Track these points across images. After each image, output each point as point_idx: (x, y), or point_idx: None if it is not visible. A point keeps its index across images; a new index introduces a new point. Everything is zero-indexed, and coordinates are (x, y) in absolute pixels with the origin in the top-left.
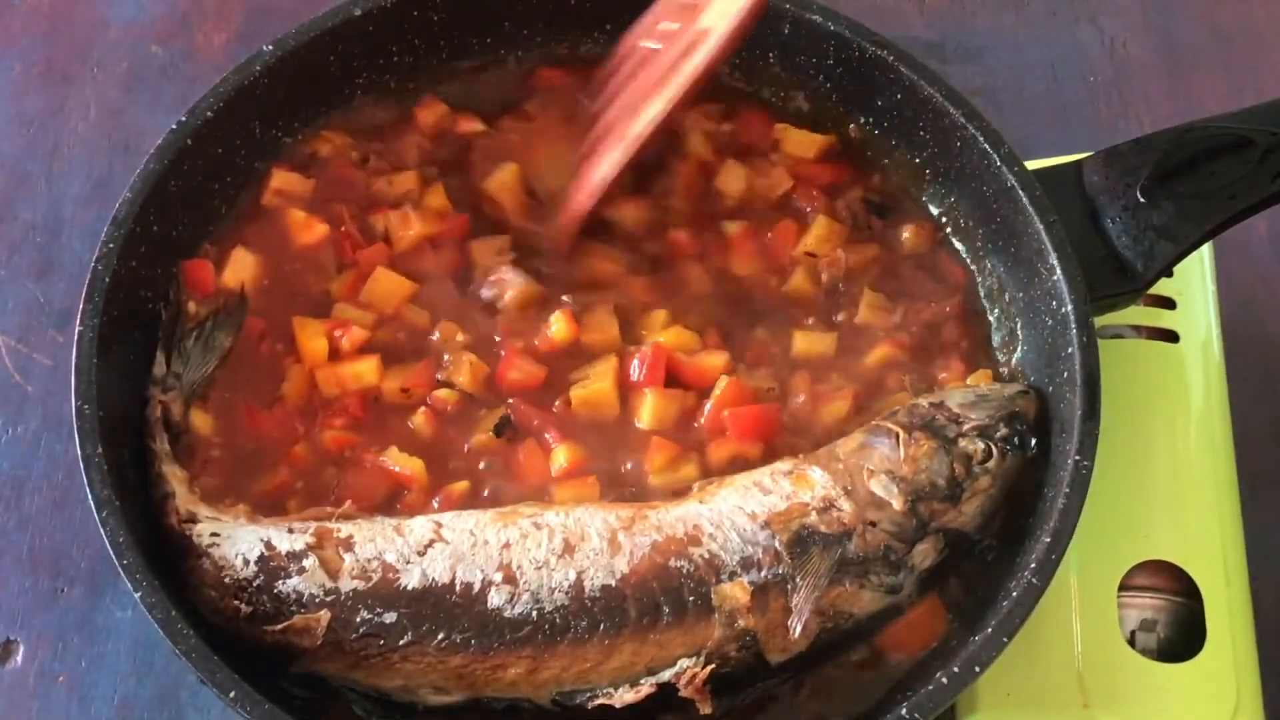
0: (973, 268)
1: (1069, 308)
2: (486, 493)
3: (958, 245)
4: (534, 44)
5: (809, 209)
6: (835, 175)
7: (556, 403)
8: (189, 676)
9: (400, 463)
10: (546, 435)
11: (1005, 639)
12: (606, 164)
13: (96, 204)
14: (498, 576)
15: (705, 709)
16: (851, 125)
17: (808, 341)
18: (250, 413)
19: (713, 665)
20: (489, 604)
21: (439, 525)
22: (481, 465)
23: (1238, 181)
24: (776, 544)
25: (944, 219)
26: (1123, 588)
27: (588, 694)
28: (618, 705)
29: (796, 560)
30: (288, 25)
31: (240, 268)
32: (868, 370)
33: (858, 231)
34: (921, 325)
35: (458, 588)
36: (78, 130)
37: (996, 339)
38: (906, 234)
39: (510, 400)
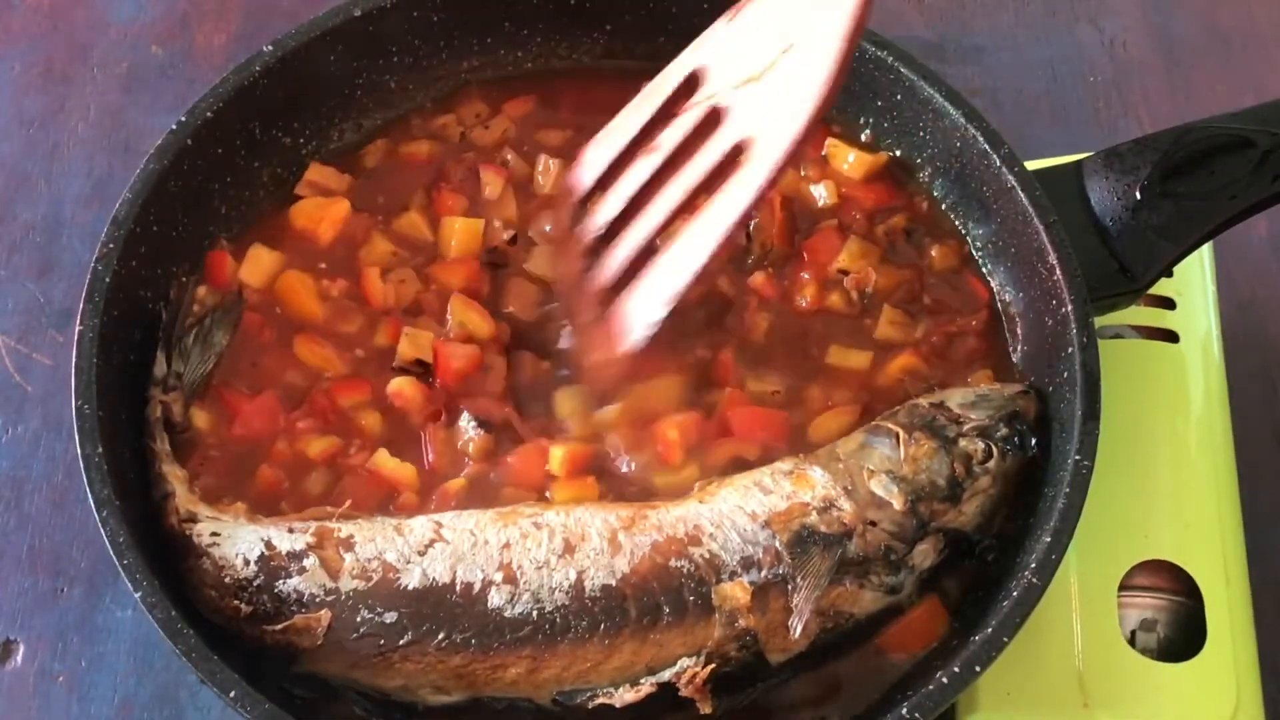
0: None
1: (1069, 308)
2: (485, 489)
3: (984, 264)
4: (534, 44)
5: (852, 228)
6: (881, 198)
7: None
8: (189, 676)
9: (390, 467)
10: (542, 439)
11: (1005, 639)
12: (657, 299)
13: (96, 204)
14: (498, 576)
15: (705, 709)
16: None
17: (842, 355)
18: (234, 401)
19: (713, 665)
20: (489, 604)
21: (439, 525)
22: (481, 464)
23: (1238, 182)
24: (777, 544)
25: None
26: (1123, 588)
27: (588, 694)
28: (618, 705)
29: (797, 560)
30: (288, 25)
31: (258, 264)
32: (884, 384)
33: (891, 253)
34: (944, 339)
35: (458, 588)
36: (78, 130)
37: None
38: (934, 252)
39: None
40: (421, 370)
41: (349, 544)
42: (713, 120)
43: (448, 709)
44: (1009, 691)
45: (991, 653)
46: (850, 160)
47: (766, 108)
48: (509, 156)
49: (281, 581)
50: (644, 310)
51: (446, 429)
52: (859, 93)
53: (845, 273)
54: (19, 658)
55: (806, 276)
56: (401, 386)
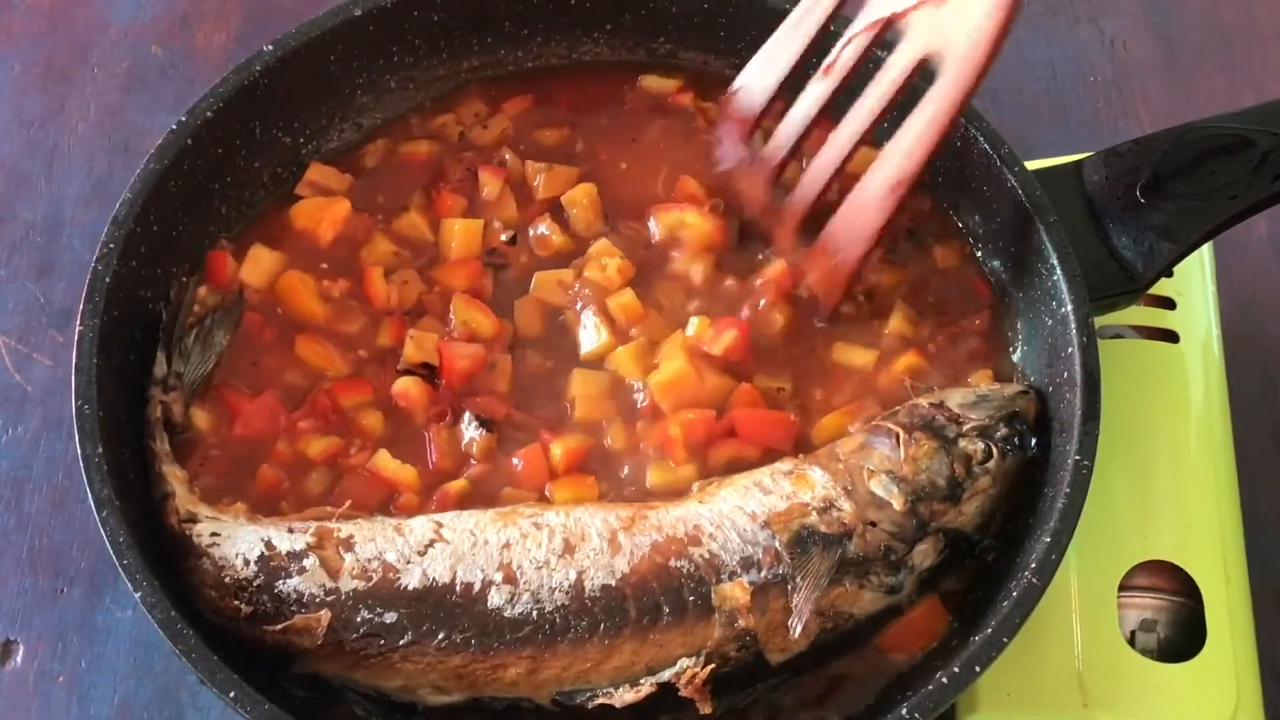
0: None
1: (1069, 308)
2: (487, 489)
3: (984, 264)
4: (534, 44)
5: None
6: None
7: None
8: (189, 676)
9: (390, 468)
10: (544, 434)
11: (1005, 639)
12: (873, 214)
13: (96, 204)
14: (498, 576)
15: (705, 709)
16: None
17: (846, 354)
18: (234, 400)
19: (713, 665)
20: (489, 604)
21: (439, 525)
22: (484, 464)
23: (1238, 182)
24: (776, 544)
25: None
26: (1123, 588)
27: (588, 694)
28: (618, 705)
29: (796, 560)
30: (288, 25)
31: (259, 264)
32: (887, 385)
33: (893, 253)
34: (946, 339)
35: (458, 588)
36: (78, 130)
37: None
38: (937, 252)
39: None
40: (427, 372)
41: (349, 544)
42: (883, 35)
43: (448, 709)
44: (1009, 691)
45: (991, 653)
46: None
47: (950, 15)
48: (506, 156)
49: (281, 581)
50: (853, 231)
51: (450, 429)
52: (859, 92)
53: None
54: (19, 658)
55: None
56: (407, 387)
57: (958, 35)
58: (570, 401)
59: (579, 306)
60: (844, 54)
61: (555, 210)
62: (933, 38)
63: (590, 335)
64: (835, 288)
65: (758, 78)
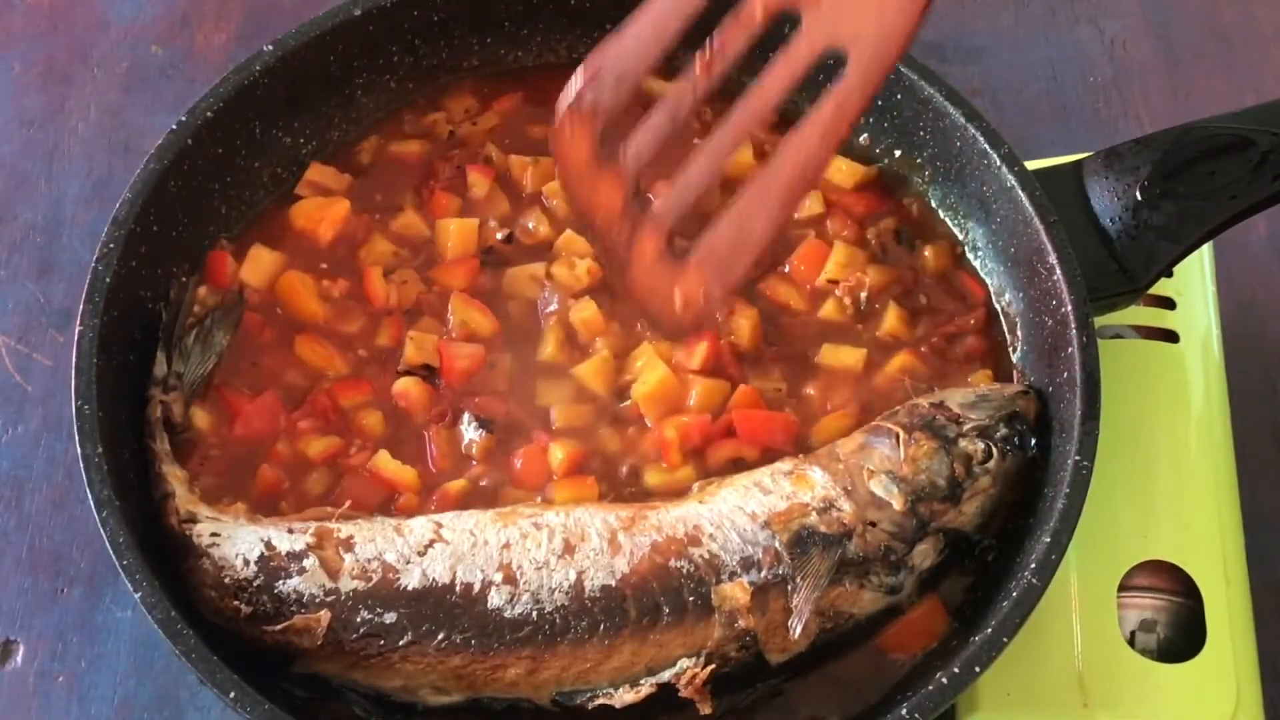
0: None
1: (1069, 308)
2: (487, 490)
3: (982, 264)
4: (534, 44)
5: (839, 236)
6: (870, 205)
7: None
8: (189, 676)
9: (391, 469)
10: (543, 434)
11: (1005, 639)
12: (765, 222)
13: (96, 204)
14: (498, 577)
15: (705, 709)
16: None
17: (835, 354)
18: (234, 400)
19: (713, 666)
20: (489, 604)
21: (439, 525)
22: (483, 465)
23: (1238, 182)
24: (776, 544)
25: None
26: (1123, 588)
27: (588, 694)
28: (618, 705)
29: (796, 560)
30: (288, 25)
31: (259, 264)
32: (883, 385)
33: (882, 255)
34: (943, 340)
35: (458, 588)
36: (78, 130)
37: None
38: (927, 253)
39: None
40: (427, 373)
41: (349, 544)
42: (774, 21)
43: (447, 709)
44: (1009, 691)
45: (991, 653)
46: (842, 170)
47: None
48: (491, 154)
49: (281, 582)
50: (738, 243)
51: (450, 429)
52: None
53: (835, 282)
54: (19, 658)
55: (796, 291)
56: (407, 387)
57: (866, 23)
58: (546, 409)
59: (546, 310)
60: (727, 37)
61: (544, 202)
62: (837, 26)
63: (547, 345)
64: (708, 309)
65: (614, 66)
